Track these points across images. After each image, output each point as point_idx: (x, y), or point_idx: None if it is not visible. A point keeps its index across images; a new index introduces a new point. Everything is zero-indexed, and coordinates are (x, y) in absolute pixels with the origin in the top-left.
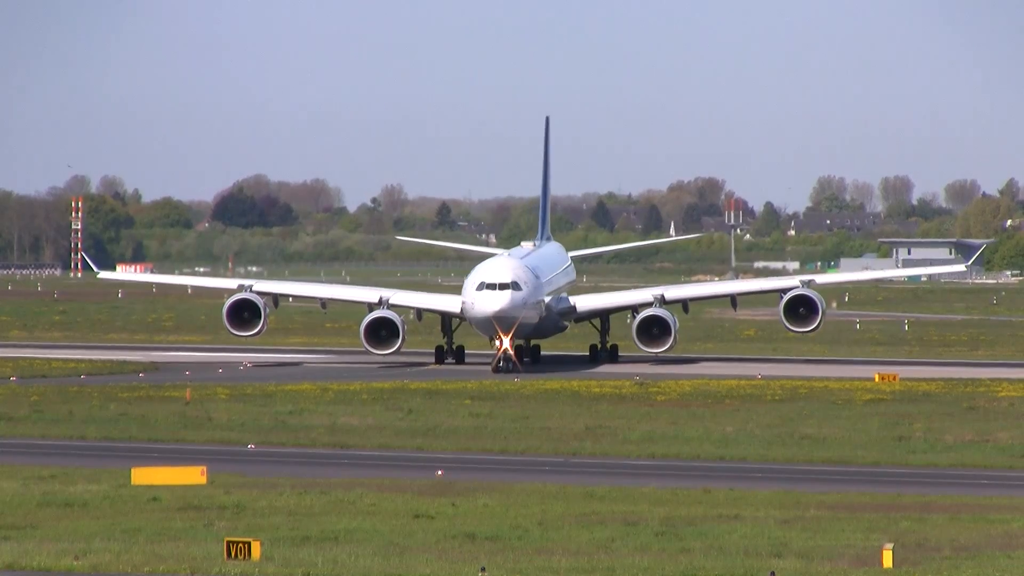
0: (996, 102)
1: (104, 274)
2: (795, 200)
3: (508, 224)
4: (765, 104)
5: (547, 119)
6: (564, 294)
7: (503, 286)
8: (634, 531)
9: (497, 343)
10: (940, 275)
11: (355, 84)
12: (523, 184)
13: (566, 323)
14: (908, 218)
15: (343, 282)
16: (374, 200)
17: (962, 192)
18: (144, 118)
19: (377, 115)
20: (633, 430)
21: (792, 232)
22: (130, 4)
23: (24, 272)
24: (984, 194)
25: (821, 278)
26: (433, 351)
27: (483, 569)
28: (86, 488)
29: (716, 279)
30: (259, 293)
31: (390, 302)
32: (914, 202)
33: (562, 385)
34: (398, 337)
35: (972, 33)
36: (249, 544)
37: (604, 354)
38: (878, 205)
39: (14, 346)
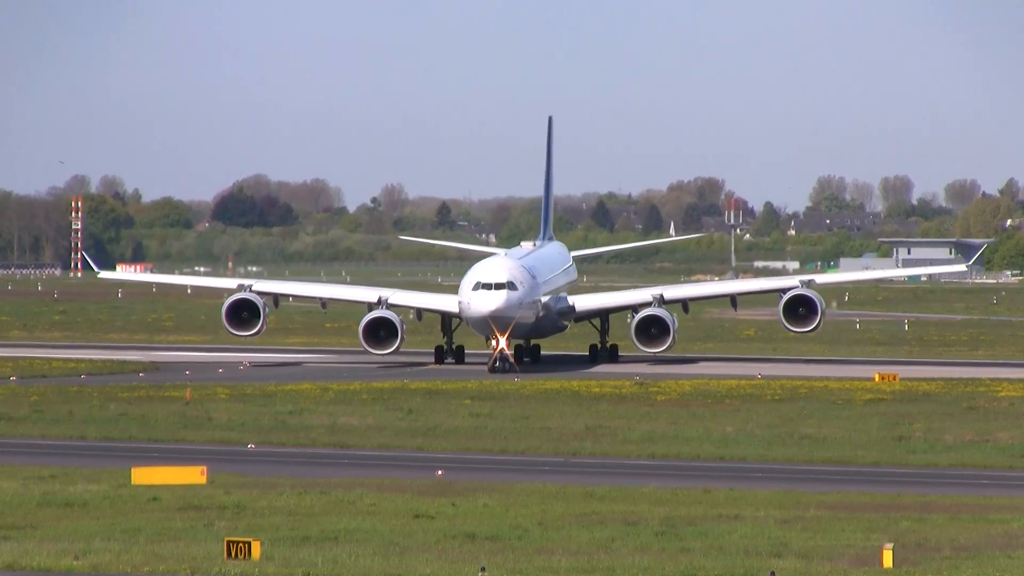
0: (996, 102)
1: (104, 274)
2: (795, 200)
3: (508, 224)
4: (765, 104)
5: (550, 119)
6: (563, 294)
7: (499, 286)
8: (634, 531)
9: (493, 343)
10: (940, 275)
11: (355, 84)
12: (523, 184)
13: (566, 323)
14: (908, 218)
15: (343, 282)
16: (374, 200)
17: (962, 192)
18: (144, 118)
19: (377, 115)
20: (633, 430)
21: (792, 232)
22: (130, 4)
23: (24, 272)
24: (984, 194)
25: (821, 278)
26: (433, 351)
27: (483, 569)
28: (86, 488)
29: (716, 279)
30: (259, 293)
31: (389, 302)
32: (914, 202)
33: (562, 385)
34: (397, 337)
35: (972, 33)
36: (249, 544)
37: (604, 354)
38: (878, 205)
39: (14, 346)
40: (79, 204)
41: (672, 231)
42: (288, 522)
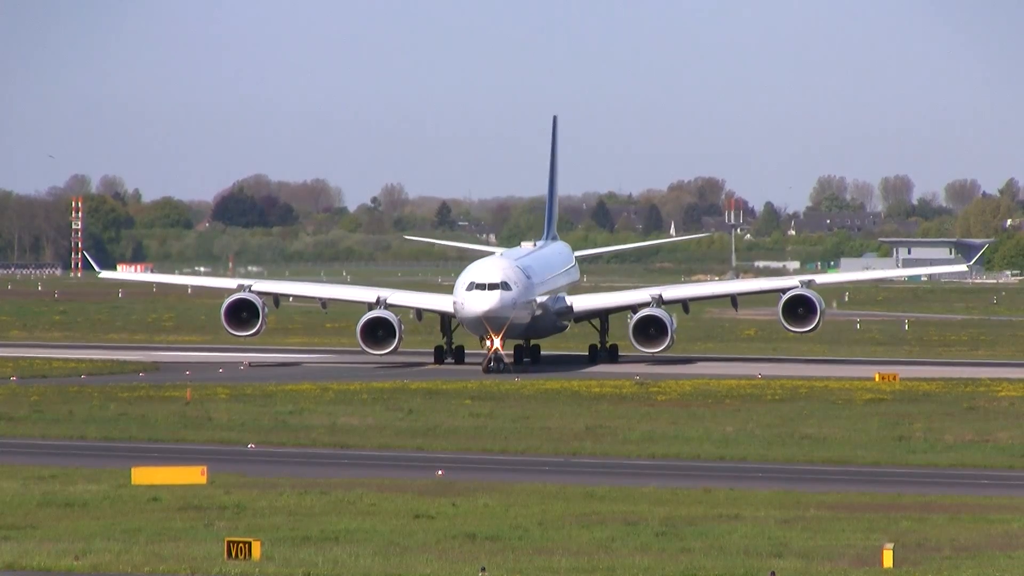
0: (996, 102)
1: (105, 273)
2: (795, 200)
3: (508, 224)
4: (765, 104)
5: (554, 119)
6: (562, 294)
7: (492, 286)
8: (634, 531)
9: (488, 343)
10: (940, 275)
11: (355, 84)
12: (523, 184)
13: (565, 323)
14: (908, 218)
15: (343, 282)
16: (374, 200)
17: (962, 192)
18: (144, 118)
19: (377, 115)
20: (633, 430)
21: (792, 232)
22: (130, 4)
23: (24, 272)
24: (984, 194)
25: (821, 278)
26: (433, 351)
27: (483, 569)
28: (86, 488)
29: (716, 279)
30: (258, 293)
31: (388, 302)
32: (914, 202)
33: (562, 385)
34: (395, 337)
35: (972, 33)
36: (249, 544)
37: (604, 354)
38: (878, 205)
39: (14, 346)
40: (79, 204)
41: (672, 231)
42: (288, 522)
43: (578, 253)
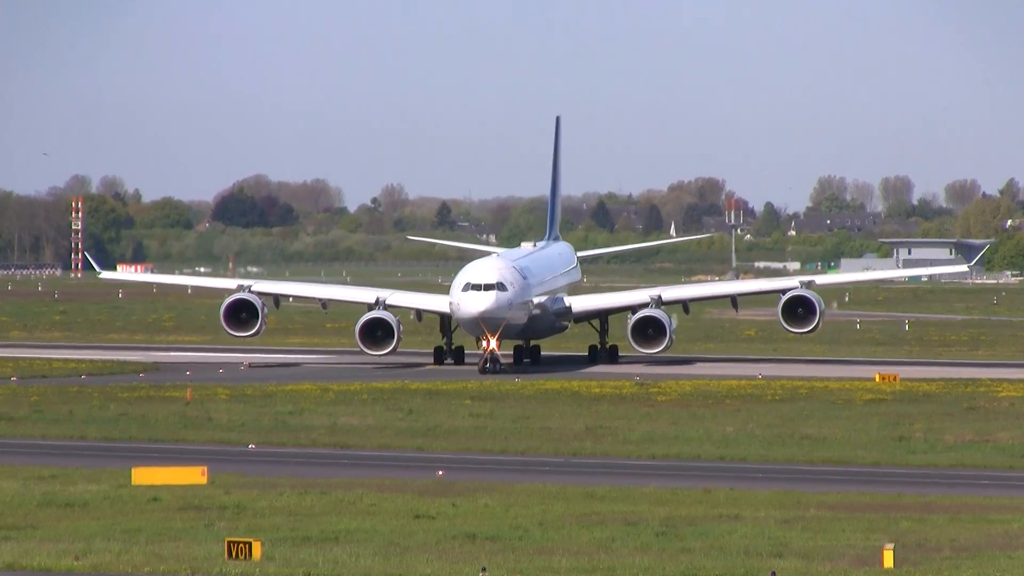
0: (996, 102)
1: (106, 274)
2: (795, 200)
3: (508, 224)
4: (765, 104)
5: (557, 119)
6: (560, 295)
7: (488, 287)
8: (634, 531)
9: (484, 344)
10: (941, 275)
11: (355, 84)
12: (523, 184)
13: (565, 323)
14: (908, 218)
15: (343, 282)
16: (374, 200)
17: (962, 192)
18: (144, 118)
19: (377, 115)
20: (633, 430)
21: (792, 232)
22: (130, 4)
23: (24, 272)
24: (984, 194)
25: (821, 279)
26: (432, 352)
27: (484, 569)
28: (86, 488)
29: (716, 279)
30: (258, 293)
31: (387, 303)
32: (914, 202)
33: (562, 385)
34: (393, 338)
35: (972, 33)
36: (250, 544)
37: (603, 354)
38: (878, 205)
39: (14, 346)
40: (79, 204)
41: (672, 231)
42: (288, 522)
43: (578, 254)
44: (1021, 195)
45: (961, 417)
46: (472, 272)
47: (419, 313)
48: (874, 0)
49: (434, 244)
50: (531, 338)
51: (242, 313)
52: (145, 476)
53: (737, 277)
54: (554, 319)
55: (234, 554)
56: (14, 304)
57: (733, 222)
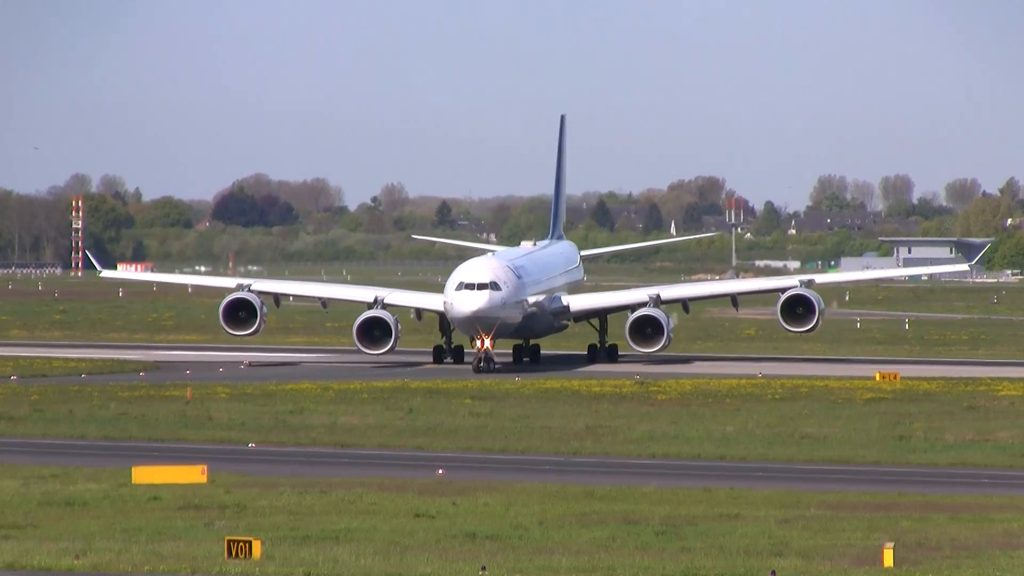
0: (996, 102)
1: (107, 272)
2: (796, 199)
3: (508, 223)
4: (765, 104)
5: (562, 118)
6: (558, 294)
7: (481, 286)
8: (635, 530)
9: (478, 343)
10: (941, 274)
11: (355, 84)
12: (523, 183)
13: (565, 322)
14: (908, 217)
15: (342, 281)
16: (374, 199)
17: (962, 191)
18: (144, 118)
19: (377, 115)
20: (633, 429)
21: (793, 231)
22: (130, 3)
23: (24, 271)
24: (984, 193)
25: (821, 278)
26: (432, 351)
27: (483, 568)
28: (86, 487)
29: (716, 278)
30: (257, 292)
31: (385, 302)
32: (915, 201)
33: (562, 384)
34: (391, 337)
35: (972, 33)
36: (250, 543)
37: (602, 354)
38: (879, 204)
39: (14, 345)
40: (79, 204)
41: (673, 230)
42: (288, 521)
43: (581, 253)
44: (1021, 194)
45: (961, 416)
46: (466, 271)
47: (419, 312)
48: (874, 0)
49: (435, 243)
50: (530, 337)
51: (241, 312)
52: (145, 475)
53: (737, 276)
54: (552, 318)
55: (234, 553)
56: (14, 303)
57: (733, 221)
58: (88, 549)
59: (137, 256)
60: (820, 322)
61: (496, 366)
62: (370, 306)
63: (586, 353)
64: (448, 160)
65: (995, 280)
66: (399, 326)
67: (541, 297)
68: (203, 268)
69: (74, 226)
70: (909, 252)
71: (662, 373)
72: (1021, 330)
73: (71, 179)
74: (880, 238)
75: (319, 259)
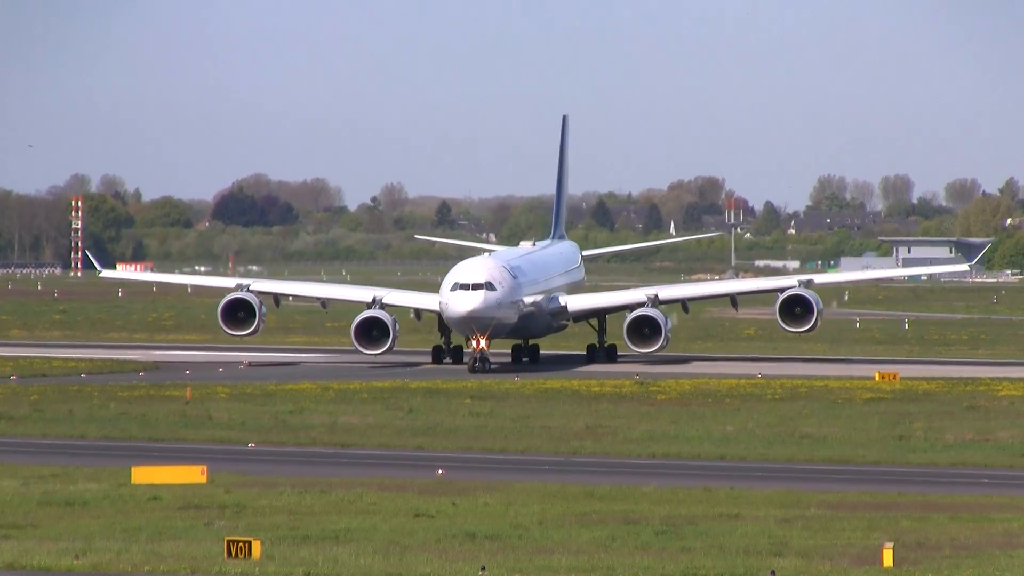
0: (996, 102)
1: (107, 272)
2: (795, 199)
3: (508, 223)
4: (765, 104)
5: (564, 117)
6: (556, 294)
7: (476, 286)
8: (634, 530)
9: (473, 343)
10: (941, 274)
11: (355, 84)
12: (523, 183)
13: (564, 322)
14: (908, 217)
15: (342, 281)
16: (374, 199)
17: (962, 191)
18: (144, 118)
19: (377, 115)
20: (633, 429)
21: (792, 231)
22: (130, 3)
23: (24, 271)
24: (984, 193)
25: (820, 278)
26: (431, 351)
27: (483, 568)
28: (86, 487)
29: (715, 278)
30: (256, 292)
31: (383, 302)
32: (914, 201)
33: (562, 384)
34: (389, 337)
35: (972, 33)
36: (250, 543)
37: (601, 354)
38: (878, 204)
39: (14, 345)
40: (79, 203)
41: (672, 230)
42: (288, 521)
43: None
44: (1021, 194)
45: (961, 416)
46: (461, 272)
47: (418, 312)
48: (874, 0)
49: (435, 243)
50: (528, 337)
51: (239, 312)
52: (145, 475)
53: (736, 276)
54: (550, 318)
55: (234, 553)
56: (14, 303)
57: (733, 221)
58: (88, 549)
59: (137, 256)
60: (819, 322)
61: (491, 366)
62: (368, 306)
63: (585, 353)
64: (448, 160)
65: (995, 280)
66: (397, 326)
67: (538, 297)
68: (203, 268)
69: (74, 226)
70: (909, 252)
71: (662, 373)
72: (1021, 330)
73: (71, 179)
74: (880, 238)
75: (319, 259)
